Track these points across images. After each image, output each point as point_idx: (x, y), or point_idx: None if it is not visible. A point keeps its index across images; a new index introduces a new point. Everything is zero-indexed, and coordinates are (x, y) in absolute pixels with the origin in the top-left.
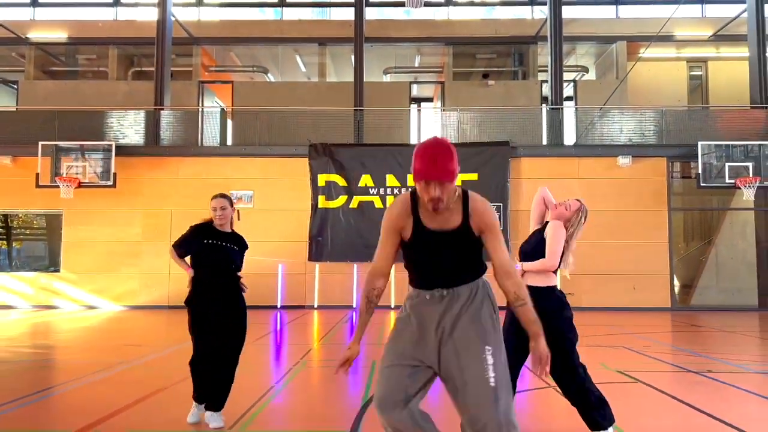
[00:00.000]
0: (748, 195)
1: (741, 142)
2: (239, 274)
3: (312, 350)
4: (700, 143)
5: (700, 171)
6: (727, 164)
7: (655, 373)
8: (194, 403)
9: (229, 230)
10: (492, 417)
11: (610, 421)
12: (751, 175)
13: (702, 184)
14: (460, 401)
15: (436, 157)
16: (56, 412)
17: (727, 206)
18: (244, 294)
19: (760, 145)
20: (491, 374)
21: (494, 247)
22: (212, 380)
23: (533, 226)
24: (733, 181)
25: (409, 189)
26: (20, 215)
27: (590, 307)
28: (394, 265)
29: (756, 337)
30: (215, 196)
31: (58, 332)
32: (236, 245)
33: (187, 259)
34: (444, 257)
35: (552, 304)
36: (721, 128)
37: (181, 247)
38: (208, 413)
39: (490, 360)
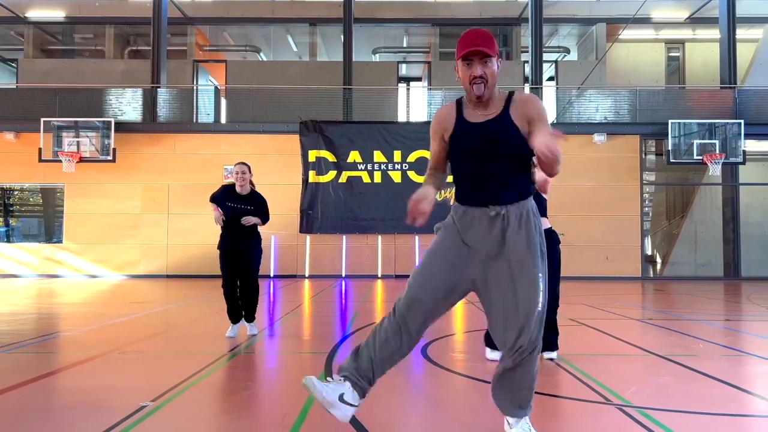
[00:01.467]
0: (713, 170)
1: (708, 121)
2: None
3: (303, 305)
4: (670, 121)
5: (669, 148)
6: (695, 141)
7: (599, 320)
8: (231, 323)
9: (248, 191)
10: (531, 337)
11: (557, 346)
12: (717, 151)
13: (672, 161)
14: (503, 317)
15: (477, 34)
16: (82, 345)
17: (700, 182)
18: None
19: (725, 123)
20: (540, 299)
21: (542, 130)
22: (241, 298)
23: None
24: (700, 157)
25: (400, 168)
26: (19, 189)
27: (565, 276)
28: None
29: (699, 297)
30: (237, 163)
31: (67, 294)
32: (253, 205)
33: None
34: (487, 159)
35: (551, 242)
36: (692, 107)
37: (214, 201)
38: (247, 324)
39: (541, 286)
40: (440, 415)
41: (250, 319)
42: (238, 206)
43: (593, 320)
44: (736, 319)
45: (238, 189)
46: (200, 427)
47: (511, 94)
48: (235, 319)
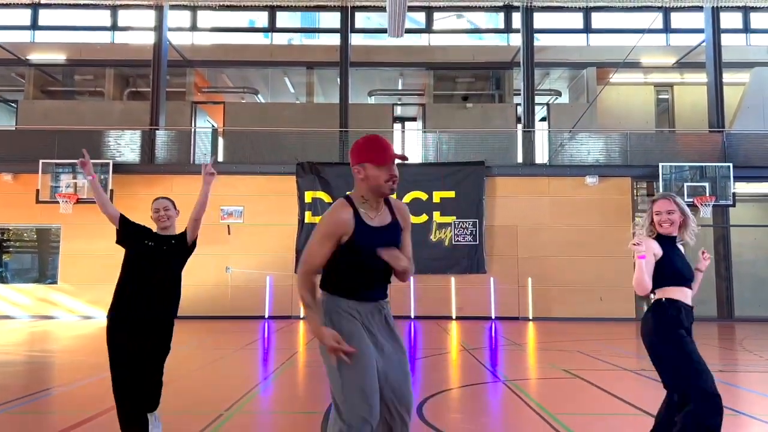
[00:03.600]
0: (704, 213)
1: (698, 164)
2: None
3: (297, 353)
4: (661, 164)
5: (660, 190)
6: (686, 184)
7: (594, 371)
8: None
9: (173, 233)
10: (410, 397)
11: None
12: (707, 194)
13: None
14: (391, 388)
15: (388, 144)
16: (77, 402)
17: None
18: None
19: (716, 166)
20: (409, 377)
21: (408, 242)
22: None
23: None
24: (691, 199)
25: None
26: (14, 230)
27: (560, 317)
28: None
29: (699, 343)
30: (157, 199)
31: (59, 339)
32: (175, 239)
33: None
34: (381, 260)
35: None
36: (682, 150)
37: (126, 228)
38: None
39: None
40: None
41: (153, 406)
42: (158, 246)
43: (587, 372)
44: (731, 370)
45: (159, 231)
46: None
47: (386, 200)
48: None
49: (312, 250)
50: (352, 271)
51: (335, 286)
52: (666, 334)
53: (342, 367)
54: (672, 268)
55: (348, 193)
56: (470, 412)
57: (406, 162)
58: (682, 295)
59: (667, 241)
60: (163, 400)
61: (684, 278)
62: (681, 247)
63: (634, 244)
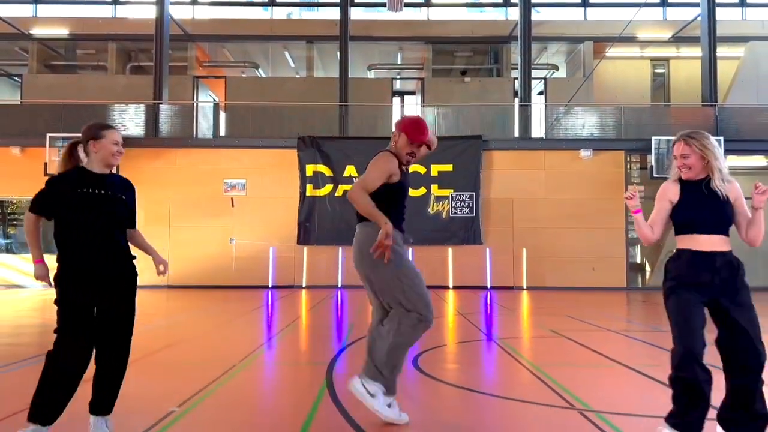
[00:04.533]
0: None
1: None
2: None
3: (300, 318)
4: (653, 138)
5: (653, 163)
6: None
7: (578, 331)
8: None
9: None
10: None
11: None
12: None
13: (655, 175)
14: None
15: (426, 130)
16: None
17: None
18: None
19: None
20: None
21: None
22: (101, 374)
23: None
24: None
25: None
26: (24, 202)
27: (553, 286)
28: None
29: None
30: (108, 127)
31: None
32: (123, 193)
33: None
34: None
35: None
36: (675, 124)
37: (44, 211)
38: (93, 420)
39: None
40: (428, 418)
41: (107, 409)
42: (101, 192)
43: (573, 332)
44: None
45: (102, 170)
46: (225, 427)
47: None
48: (53, 415)
49: (372, 178)
50: (394, 206)
51: (389, 218)
52: (663, 286)
53: (404, 279)
54: (681, 215)
55: (387, 149)
56: (463, 364)
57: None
58: (694, 243)
59: (692, 186)
60: (179, 355)
61: (695, 225)
62: (721, 191)
63: (627, 198)
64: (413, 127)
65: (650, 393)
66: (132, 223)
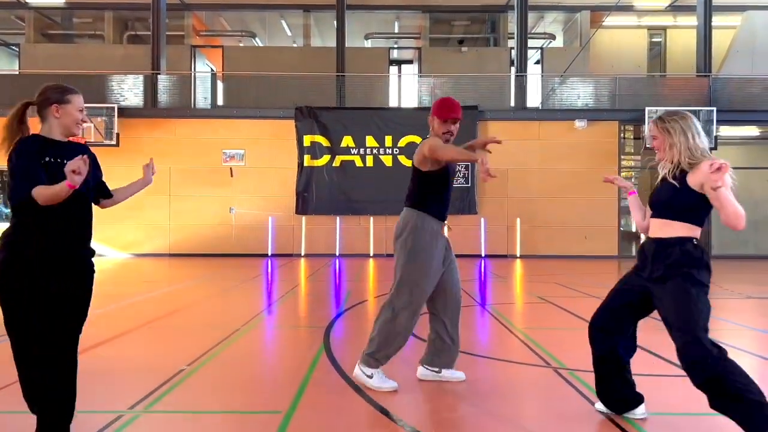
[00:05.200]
0: None
1: (683, 108)
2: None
3: (299, 285)
4: (647, 108)
5: (646, 133)
6: None
7: (564, 297)
8: None
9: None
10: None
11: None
12: None
13: (647, 146)
14: (453, 282)
15: (458, 105)
16: (112, 321)
17: None
18: None
19: (699, 110)
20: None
21: None
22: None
23: None
24: None
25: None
26: None
27: (546, 254)
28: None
29: None
30: (74, 91)
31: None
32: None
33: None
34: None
35: None
36: (669, 94)
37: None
38: None
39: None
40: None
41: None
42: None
43: (559, 298)
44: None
45: (74, 136)
46: (232, 383)
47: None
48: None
49: (437, 147)
50: (438, 194)
51: (427, 206)
52: None
53: (406, 274)
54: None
55: (430, 135)
56: None
57: (401, 107)
58: (651, 228)
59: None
60: (185, 320)
61: (652, 210)
62: (667, 173)
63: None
64: (441, 106)
65: None
66: (109, 192)
